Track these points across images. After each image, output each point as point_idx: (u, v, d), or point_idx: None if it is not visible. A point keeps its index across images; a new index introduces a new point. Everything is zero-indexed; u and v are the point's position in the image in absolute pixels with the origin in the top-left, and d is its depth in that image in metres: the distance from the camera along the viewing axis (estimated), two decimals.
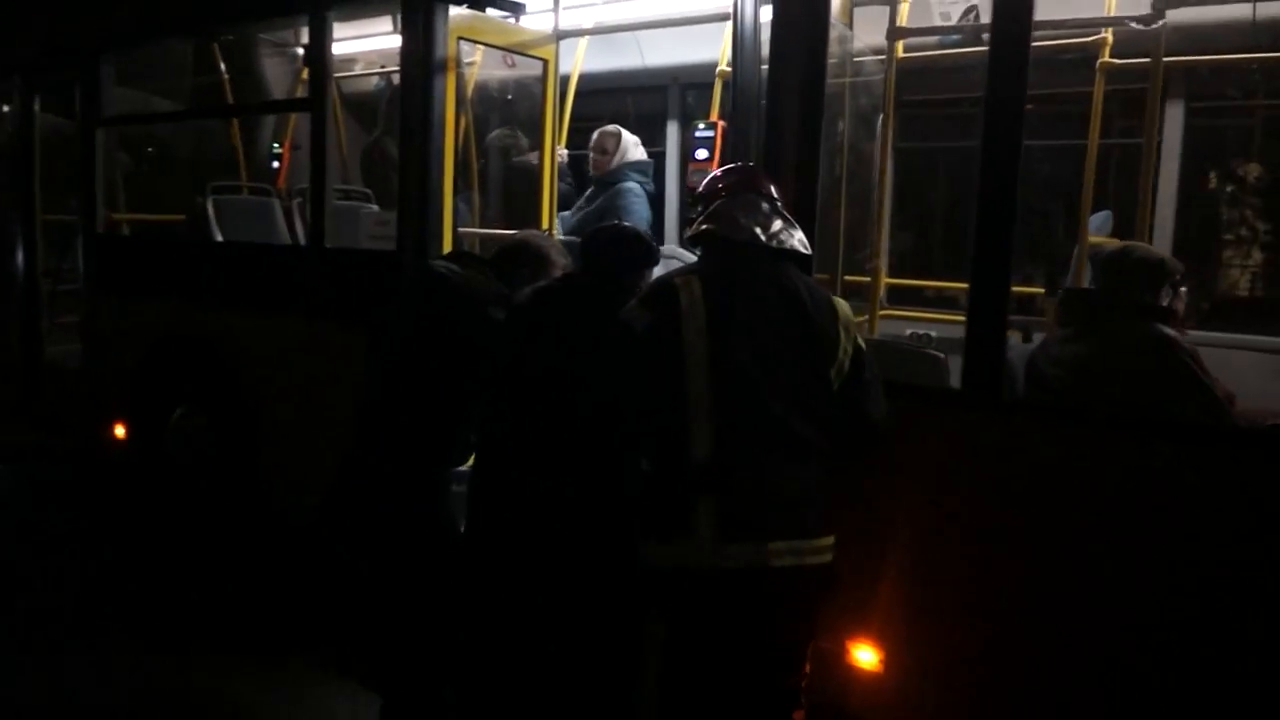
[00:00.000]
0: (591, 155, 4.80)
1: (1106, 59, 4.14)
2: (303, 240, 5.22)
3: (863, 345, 2.36)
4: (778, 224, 2.41)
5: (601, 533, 2.58)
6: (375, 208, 4.76)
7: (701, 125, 5.12)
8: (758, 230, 2.38)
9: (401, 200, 3.84)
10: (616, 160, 4.80)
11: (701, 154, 5.12)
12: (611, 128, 4.85)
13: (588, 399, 2.48)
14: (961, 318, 2.67)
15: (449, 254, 3.30)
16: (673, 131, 6.53)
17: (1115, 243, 2.90)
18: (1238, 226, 4.88)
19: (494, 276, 3.02)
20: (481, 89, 5.09)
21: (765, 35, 3.01)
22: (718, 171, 2.60)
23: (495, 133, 4.86)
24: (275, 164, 6.70)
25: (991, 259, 2.58)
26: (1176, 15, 4.12)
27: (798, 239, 2.42)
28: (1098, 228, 4.23)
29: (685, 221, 5.03)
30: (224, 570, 4.51)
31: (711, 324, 2.25)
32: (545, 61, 4.20)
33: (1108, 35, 4.13)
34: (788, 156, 2.88)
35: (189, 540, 4.80)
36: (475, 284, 2.97)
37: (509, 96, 4.93)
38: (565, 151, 5.42)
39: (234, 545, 4.64)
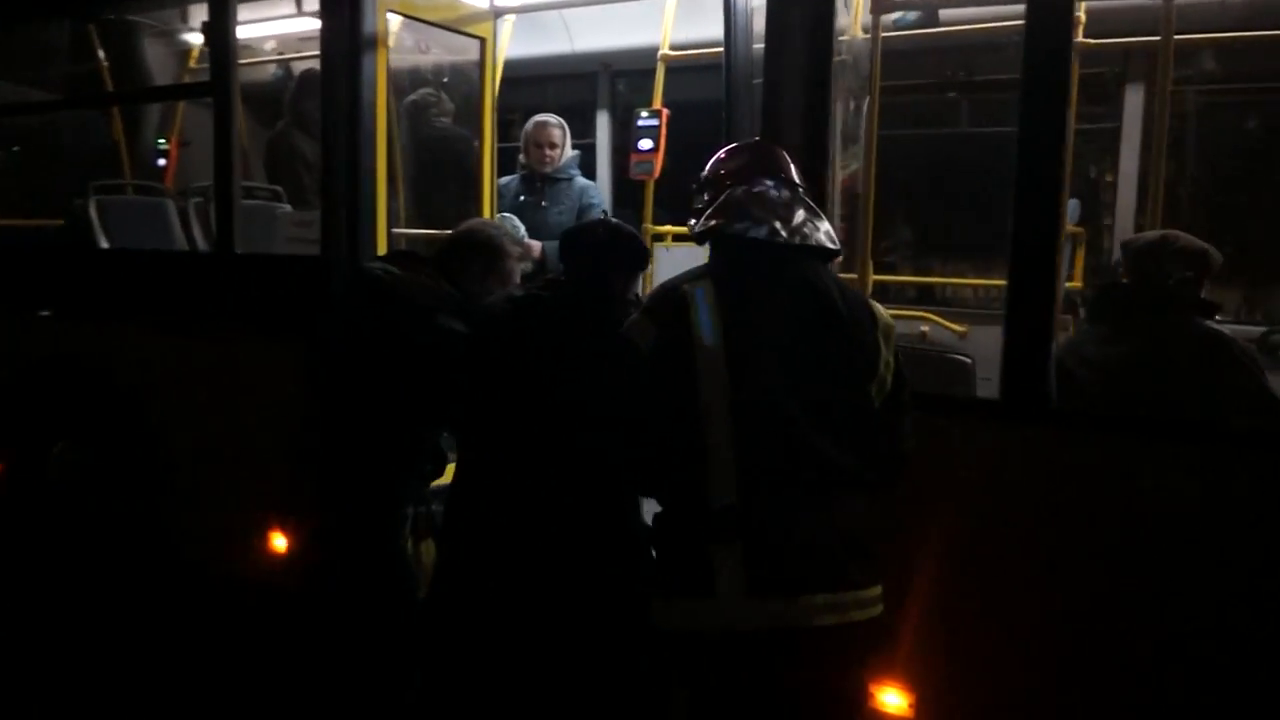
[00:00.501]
0: (536, 149, 4.31)
1: (1080, 38, 3.95)
2: (202, 245, 4.63)
3: (900, 359, 2.03)
4: (800, 214, 2.01)
5: (600, 587, 2.20)
6: (288, 207, 4.22)
7: (644, 113, 4.76)
8: (778, 224, 1.98)
9: (326, 198, 3.36)
10: (566, 154, 4.37)
11: (645, 144, 4.76)
12: (554, 118, 4.39)
13: (583, 428, 2.10)
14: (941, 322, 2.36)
15: (386, 255, 2.86)
16: (603, 122, 6.13)
17: (1152, 232, 2.64)
18: (1201, 210, 4.81)
19: (440, 277, 2.61)
20: (401, 75, 4.59)
21: (757, 10, 2.66)
22: (723, 152, 2.20)
23: (417, 93, 4.29)
24: (161, 161, 6.04)
25: (1035, 249, 2.28)
26: None
27: (824, 231, 2.03)
28: (1068, 216, 4.04)
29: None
30: (111, 636, 3.90)
31: (730, 338, 1.86)
32: (482, 40, 3.76)
33: (1080, 14, 3.93)
34: (791, 142, 2.53)
35: (70, 602, 4.13)
36: (420, 288, 2.57)
37: (444, 80, 4.45)
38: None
39: (129, 603, 4.02)
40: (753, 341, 1.87)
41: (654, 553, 2.01)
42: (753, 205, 2.01)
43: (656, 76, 4.80)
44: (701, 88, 5.83)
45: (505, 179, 4.39)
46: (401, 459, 2.64)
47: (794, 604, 1.79)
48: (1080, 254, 4.39)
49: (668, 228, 4.87)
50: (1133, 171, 4.60)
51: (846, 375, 1.93)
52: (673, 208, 4.64)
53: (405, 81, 4.45)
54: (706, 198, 2.12)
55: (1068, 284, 3.89)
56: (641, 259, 2.36)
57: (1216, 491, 2.13)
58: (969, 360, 2.60)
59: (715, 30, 5.15)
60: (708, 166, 2.18)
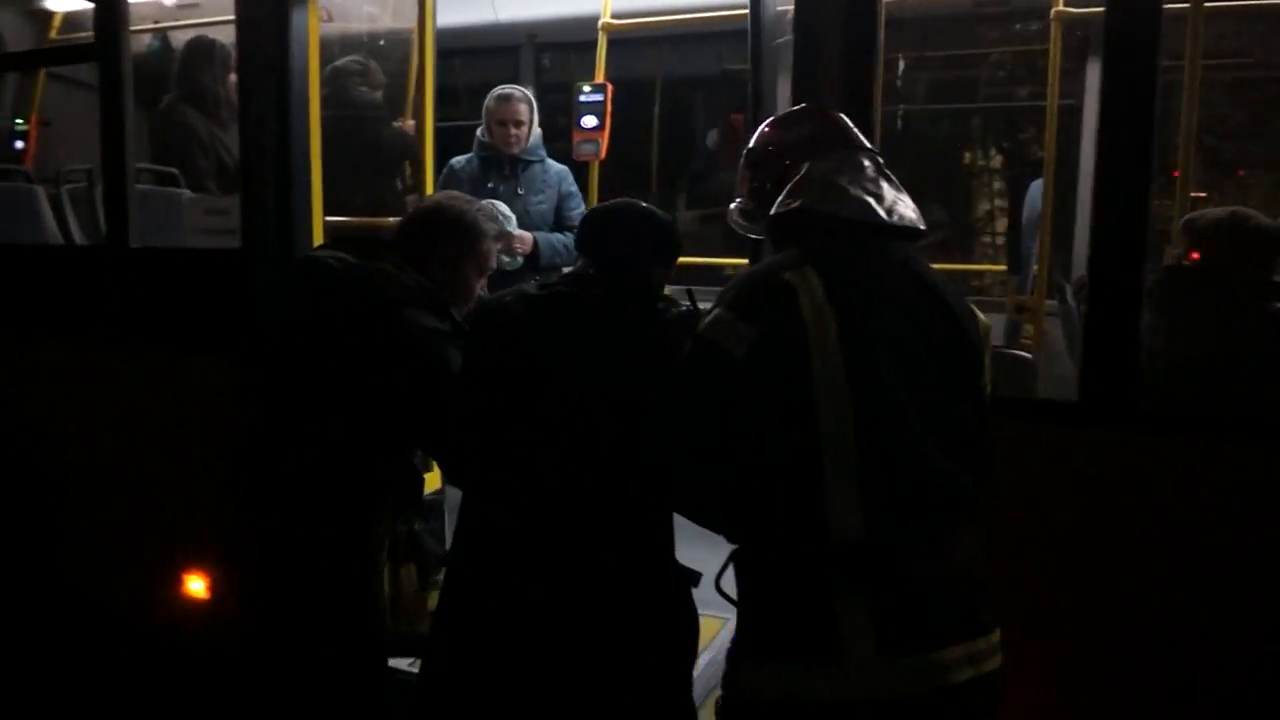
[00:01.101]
0: (500, 128, 3.79)
1: (1062, 8, 3.75)
2: (80, 238, 3.97)
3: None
4: (888, 189, 1.68)
5: (642, 639, 1.82)
6: (188, 192, 3.63)
7: (587, 88, 4.36)
8: (871, 200, 1.65)
9: (248, 181, 2.83)
10: (534, 133, 3.89)
11: (589, 121, 4.36)
12: (520, 91, 3.92)
13: (636, 450, 1.71)
14: None
15: (340, 240, 2.40)
16: None
17: (1219, 210, 2.40)
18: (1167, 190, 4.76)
19: (404, 264, 2.17)
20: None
21: None
22: (774, 123, 1.83)
23: (341, 61, 3.76)
24: (19, 144, 5.27)
25: (1118, 240, 2.01)
26: None
27: (912, 208, 1.71)
28: (1038, 196, 3.87)
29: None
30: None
31: (847, 339, 1.51)
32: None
33: None
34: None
35: None
36: (383, 277, 2.12)
37: (379, 44, 3.93)
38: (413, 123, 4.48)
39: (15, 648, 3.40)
40: (870, 341, 1.52)
41: (737, 602, 1.65)
42: (841, 180, 1.66)
43: (599, 48, 4.39)
44: (641, 62, 5.49)
45: (458, 159, 3.90)
46: (369, 483, 2.18)
47: (932, 660, 1.48)
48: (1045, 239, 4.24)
49: None
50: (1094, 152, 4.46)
51: (964, 379, 1.61)
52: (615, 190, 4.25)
53: (324, 46, 3.94)
54: (765, 176, 1.76)
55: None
56: (679, 248, 1.97)
57: None
58: (1030, 356, 2.31)
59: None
60: (756, 141, 1.82)
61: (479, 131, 3.90)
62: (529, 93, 3.92)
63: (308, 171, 2.76)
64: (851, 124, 1.80)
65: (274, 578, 2.24)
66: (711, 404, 1.57)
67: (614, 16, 4.38)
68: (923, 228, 1.71)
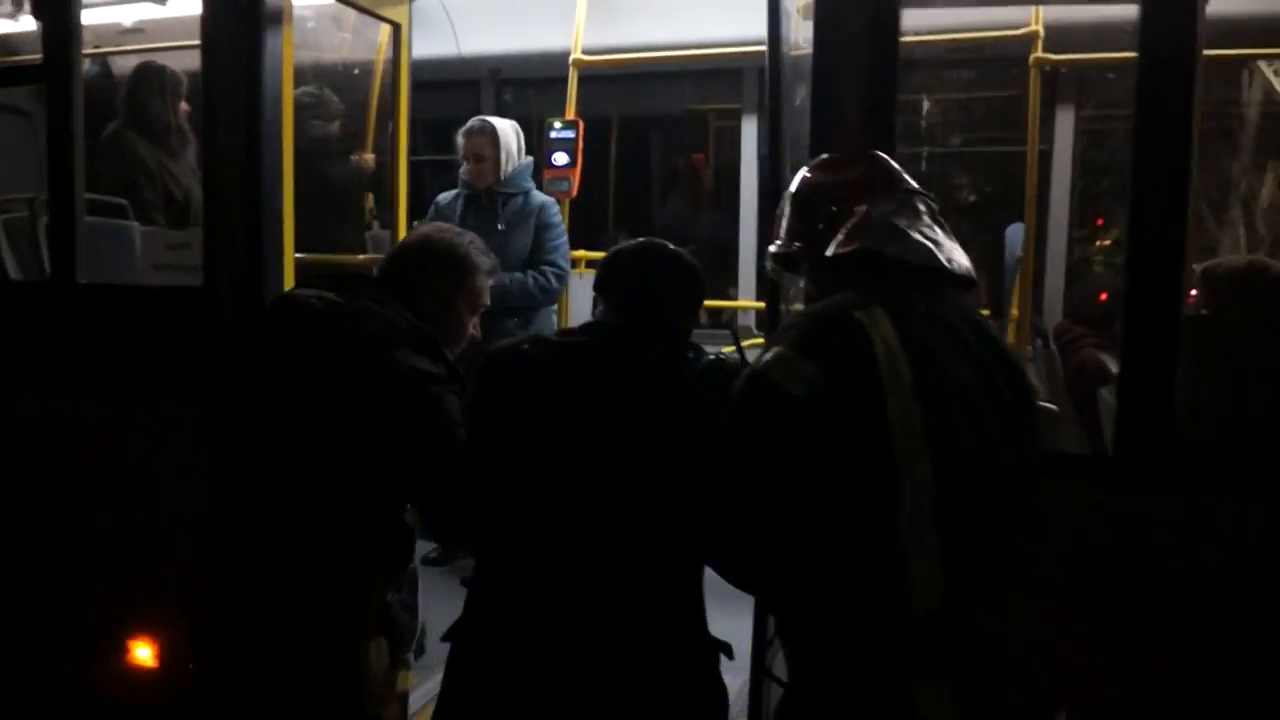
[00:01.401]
0: (466, 163, 3.68)
1: (1040, 54, 3.77)
2: (17, 273, 3.69)
3: None
4: (943, 236, 1.60)
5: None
6: (137, 225, 3.39)
7: (558, 124, 4.27)
8: (932, 246, 1.56)
9: (211, 215, 2.62)
10: (515, 163, 3.73)
11: (560, 158, 4.27)
12: (487, 124, 3.74)
13: (661, 509, 1.57)
14: None
15: (317, 277, 2.22)
16: None
17: (1238, 258, 2.37)
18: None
19: (392, 302, 2.00)
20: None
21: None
22: (821, 165, 1.74)
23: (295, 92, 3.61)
24: None
25: (1155, 288, 1.95)
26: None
27: (966, 258, 1.62)
28: (1016, 241, 3.86)
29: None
30: None
31: (921, 389, 1.40)
32: (397, 26, 3.12)
33: (1039, 28, 3.75)
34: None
35: None
36: (370, 317, 1.94)
37: (335, 74, 3.76)
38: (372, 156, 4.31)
39: None
40: (945, 393, 1.42)
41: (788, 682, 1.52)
42: (900, 222, 1.57)
43: (570, 83, 4.30)
44: (600, 100, 5.41)
45: (444, 196, 3.73)
46: (358, 544, 1.99)
47: None
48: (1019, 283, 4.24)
49: (582, 253, 4.37)
50: (1064, 196, 4.51)
51: (1026, 440, 1.51)
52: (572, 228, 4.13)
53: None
54: (815, 217, 1.64)
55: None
56: (704, 291, 1.85)
57: None
58: (1055, 408, 2.23)
59: (625, 34, 4.77)
60: (802, 183, 1.71)
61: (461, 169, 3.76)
62: (502, 124, 3.74)
63: (279, 205, 2.58)
64: (899, 167, 1.71)
65: (248, 649, 2.02)
66: (763, 448, 1.43)
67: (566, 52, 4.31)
68: (973, 276, 1.62)
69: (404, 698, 2.27)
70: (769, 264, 1.79)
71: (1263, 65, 4.46)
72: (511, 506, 1.69)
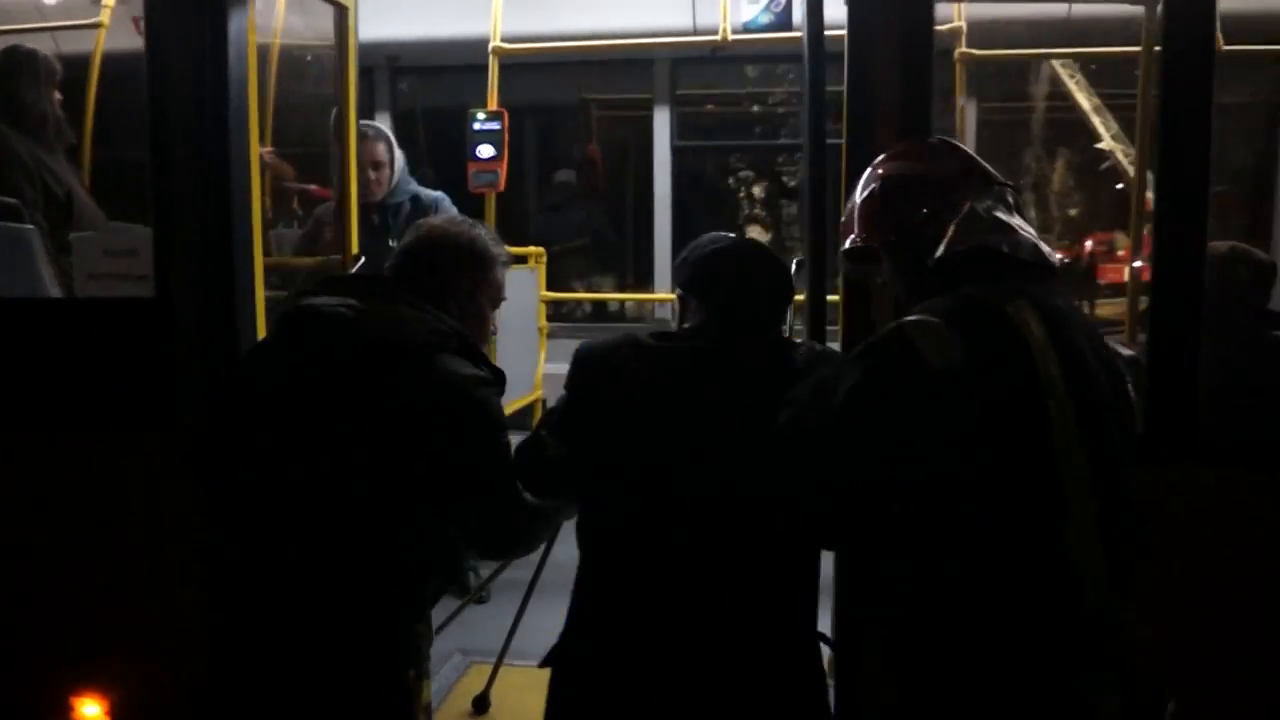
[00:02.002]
0: (361, 173, 3.30)
1: (964, 49, 3.92)
2: None
3: None
4: (1033, 231, 1.60)
5: None
6: (31, 227, 2.98)
7: (482, 116, 4.13)
8: (1037, 242, 1.56)
9: (160, 214, 2.33)
10: (398, 171, 3.51)
11: (486, 150, 4.13)
12: (374, 129, 3.51)
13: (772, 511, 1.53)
14: None
15: (321, 282, 2.03)
16: (384, 125, 5.26)
17: (1220, 244, 2.52)
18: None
19: (421, 303, 1.87)
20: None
21: None
22: (907, 153, 1.70)
23: None
24: None
25: (1179, 276, 2.04)
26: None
27: (1049, 249, 1.63)
28: None
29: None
30: None
31: (1070, 384, 1.40)
32: (344, 9, 2.88)
33: (962, 23, 3.90)
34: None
35: None
36: (412, 325, 1.81)
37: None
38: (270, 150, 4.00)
39: None
40: (1087, 389, 1.42)
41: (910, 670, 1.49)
42: (1002, 217, 1.56)
43: (490, 72, 4.14)
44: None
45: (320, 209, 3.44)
46: (409, 568, 1.83)
47: None
48: None
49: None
50: None
51: (1131, 435, 1.54)
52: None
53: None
54: (909, 209, 1.60)
55: None
56: (793, 291, 1.80)
57: None
58: None
59: (535, 23, 4.63)
60: (886, 173, 1.66)
61: None
62: (382, 128, 3.57)
63: (248, 204, 2.32)
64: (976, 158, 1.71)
65: (283, 692, 1.82)
66: (891, 418, 1.39)
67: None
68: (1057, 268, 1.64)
69: (426, 709, 2.12)
70: (842, 262, 1.76)
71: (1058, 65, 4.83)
72: (618, 515, 1.60)
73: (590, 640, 1.63)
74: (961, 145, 1.73)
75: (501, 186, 4.05)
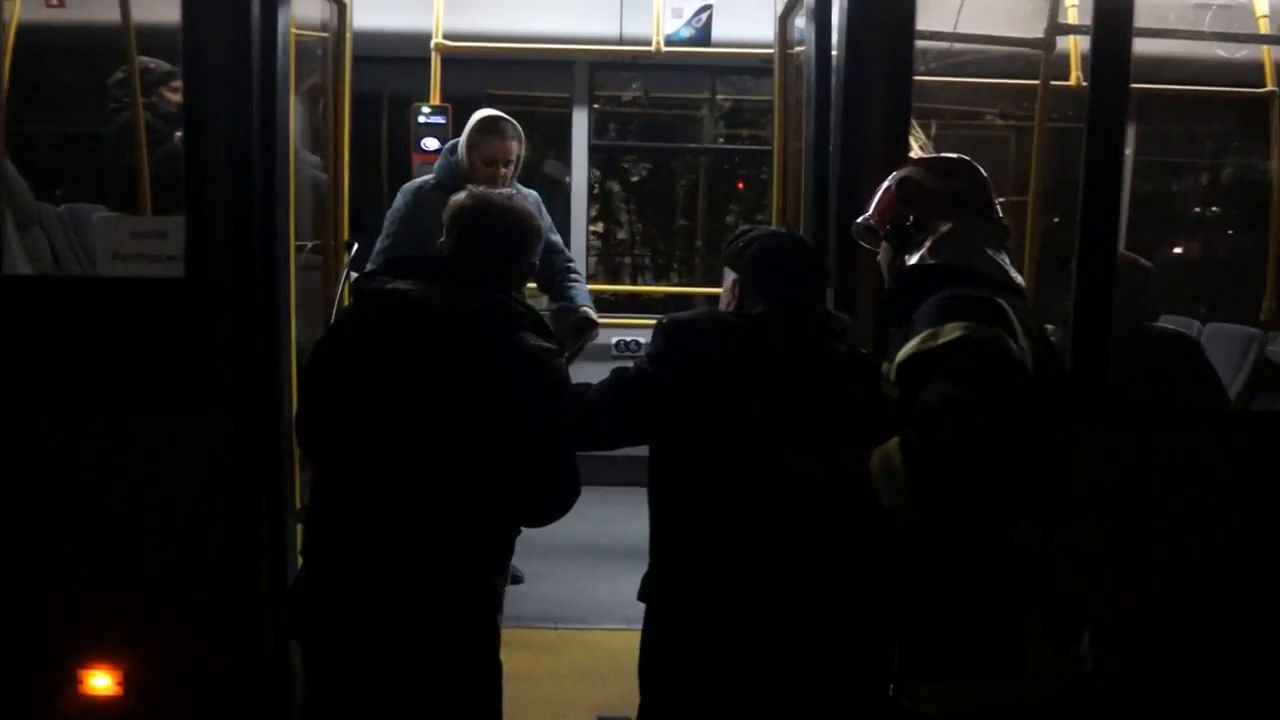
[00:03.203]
0: (487, 167, 3.28)
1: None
2: None
3: None
4: (1008, 264, 1.89)
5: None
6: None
7: (426, 109, 4.27)
8: (1003, 264, 1.86)
9: (193, 195, 2.42)
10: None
11: (431, 144, 4.28)
12: (509, 124, 3.36)
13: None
14: None
15: (392, 264, 2.15)
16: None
17: None
18: None
19: (492, 280, 2.00)
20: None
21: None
22: (940, 162, 1.98)
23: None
24: None
25: (1095, 276, 2.54)
26: None
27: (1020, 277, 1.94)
28: None
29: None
30: None
31: (1037, 363, 1.72)
32: (343, 6, 3.00)
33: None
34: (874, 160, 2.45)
35: None
36: (485, 303, 1.96)
37: None
38: None
39: None
40: (1044, 373, 1.74)
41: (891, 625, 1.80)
42: (978, 241, 1.85)
43: (433, 67, 4.29)
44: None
45: (422, 186, 3.41)
46: (496, 525, 2.03)
47: (1081, 653, 1.73)
48: None
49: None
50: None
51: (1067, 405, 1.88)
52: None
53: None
54: (910, 210, 1.89)
55: None
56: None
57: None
58: None
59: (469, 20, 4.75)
60: (912, 176, 1.92)
61: (446, 161, 3.40)
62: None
63: (288, 185, 2.45)
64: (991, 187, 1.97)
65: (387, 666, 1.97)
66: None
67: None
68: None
69: None
70: (856, 228, 2.05)
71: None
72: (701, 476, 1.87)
73: (677, 580, 1.89)
74: (981, 171, 1.93)
75: None
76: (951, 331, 1.64)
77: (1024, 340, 1.69)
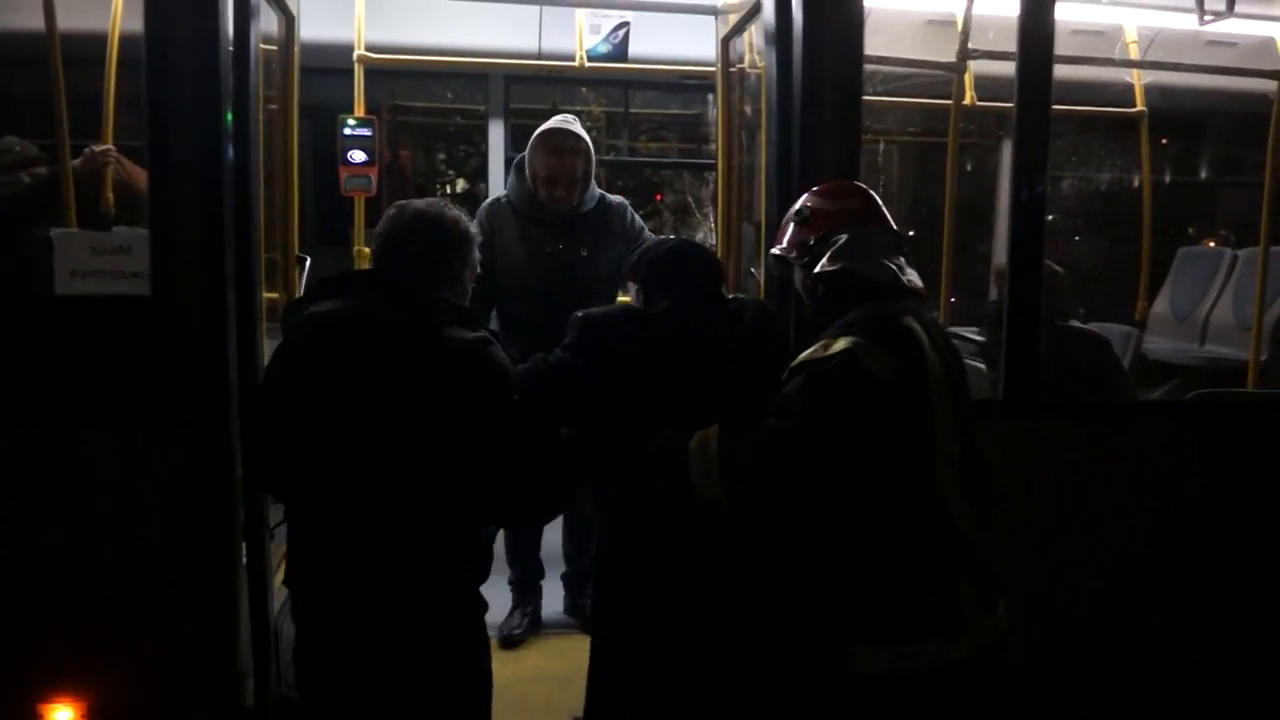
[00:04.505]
0: (548, 185, 3.21)
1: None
2: None
3: None
4: (903, 260, 2.10)
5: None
6: None
7: (352, 121, 4.23)
8: (894, 269, 2.04)
9: (159, 208, 2.35)
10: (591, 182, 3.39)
11: (358, 155, 4.24)
12: (575, 133, 3.26)
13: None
14: None
15: (319, 285, 2.07)
16: None
17: None
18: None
19: (415, 286, 2.02)
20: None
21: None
22: (830, 189, 2.17)
23: None
24: None
25: (1025, 280, 2.79)
26: None
27: (918, 278, 2.13)
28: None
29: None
30: None
31: (946, 373, 1.95)
32: (291, 18, 2.97)
33: None
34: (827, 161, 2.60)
35: None
36: (408, 307, 1.97)
37: None
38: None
39: None
40: (954, 383, 1.98)
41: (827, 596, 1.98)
42: (873, 249, 2.05)
43: (356, 79, 4.25)
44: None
45: (488, 201, 3.39)
46: (473, 542, 2.08)
47: (999, 617, 1.98)
48: None
49: None
50: None
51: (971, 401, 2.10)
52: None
53: None
54: (810, 233, 2.10)
55: None
56: None
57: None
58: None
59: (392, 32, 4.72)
60: (805, 204, 2.14)
61: (514, 177, 3.30)
62: (581, 132, 3.24)
63: (258, 199, 2.43)
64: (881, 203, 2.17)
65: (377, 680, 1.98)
66: (851, 423, 1.83)
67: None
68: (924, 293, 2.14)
69: None
70: (771, 261, 2.26)
71: None
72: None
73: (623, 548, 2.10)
74: (870, 191, 2.17)
75: (374, 191, 4.16)
76: (841, 345, 1.86)
77: (931, 353, 1.91)
